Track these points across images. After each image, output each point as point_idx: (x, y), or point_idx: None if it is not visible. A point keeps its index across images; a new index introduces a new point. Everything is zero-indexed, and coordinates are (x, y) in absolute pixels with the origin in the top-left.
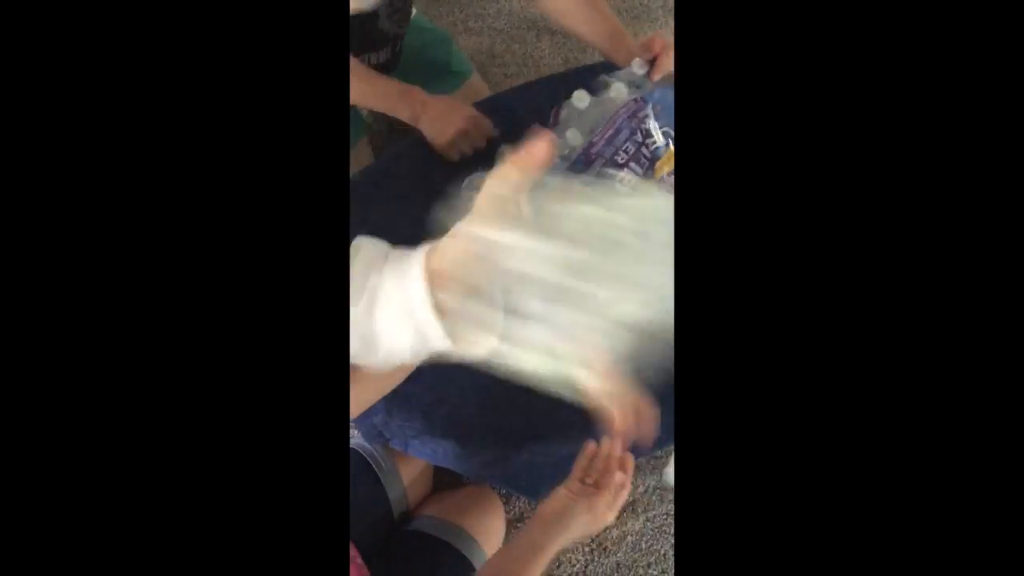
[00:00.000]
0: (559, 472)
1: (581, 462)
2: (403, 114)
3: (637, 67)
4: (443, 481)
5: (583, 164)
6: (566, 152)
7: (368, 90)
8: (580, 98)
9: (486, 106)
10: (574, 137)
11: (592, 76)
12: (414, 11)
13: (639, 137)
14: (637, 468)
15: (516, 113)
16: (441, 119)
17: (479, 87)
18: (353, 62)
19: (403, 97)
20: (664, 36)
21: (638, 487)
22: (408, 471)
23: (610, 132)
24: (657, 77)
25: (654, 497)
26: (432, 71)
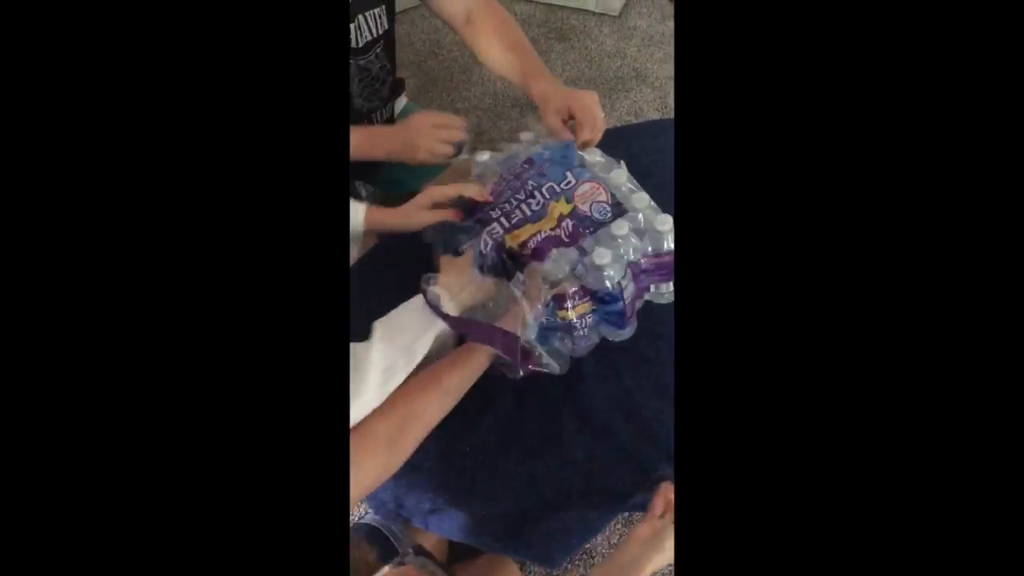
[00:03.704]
0: (573, 540)
1: (664, 496)
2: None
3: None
4: (460, 552)
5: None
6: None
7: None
8: (481, 153)
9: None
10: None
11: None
12: (405, 99)
13: (521, 195)
14: None
15: None
16: (407, 138)
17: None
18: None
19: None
20: (589, 107)
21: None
22: (425, 542)
23: (498, 188)
24: (569, 138)
25: None
26: None
